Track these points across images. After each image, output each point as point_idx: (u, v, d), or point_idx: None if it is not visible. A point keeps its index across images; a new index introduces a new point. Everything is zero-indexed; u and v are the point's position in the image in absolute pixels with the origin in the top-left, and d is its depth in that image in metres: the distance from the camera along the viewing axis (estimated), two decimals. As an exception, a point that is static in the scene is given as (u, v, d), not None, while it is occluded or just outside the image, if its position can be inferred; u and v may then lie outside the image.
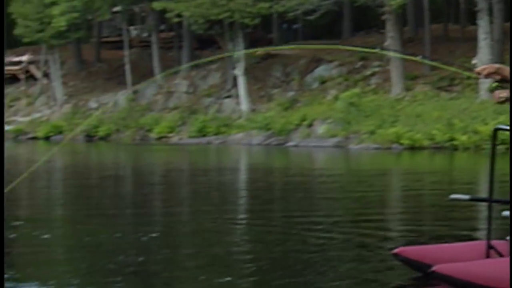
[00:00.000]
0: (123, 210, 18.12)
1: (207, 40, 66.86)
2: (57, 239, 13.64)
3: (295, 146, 50.00)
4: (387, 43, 51.05)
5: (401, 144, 44.63)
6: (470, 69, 8.81)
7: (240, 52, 54.39)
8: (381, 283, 9.39)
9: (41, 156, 48.45)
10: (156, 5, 58.82)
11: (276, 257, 11.12)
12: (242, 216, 16.87)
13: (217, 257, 11.23)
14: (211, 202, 19.29)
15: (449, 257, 9.14)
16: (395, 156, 40.45)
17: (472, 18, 54.02)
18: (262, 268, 10.29)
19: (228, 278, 9.69)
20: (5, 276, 9.62)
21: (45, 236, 13.42)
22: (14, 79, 73.07)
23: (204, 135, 56.92)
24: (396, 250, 9.60)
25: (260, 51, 56.78)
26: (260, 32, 71.22)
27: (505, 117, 8.90)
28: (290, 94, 58.77)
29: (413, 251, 9.51)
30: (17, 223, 15.06)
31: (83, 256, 11.72)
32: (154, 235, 13.32)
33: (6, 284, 9.22)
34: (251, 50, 49.55)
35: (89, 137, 61.39)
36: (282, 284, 9.32)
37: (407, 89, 52.50)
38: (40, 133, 63.42)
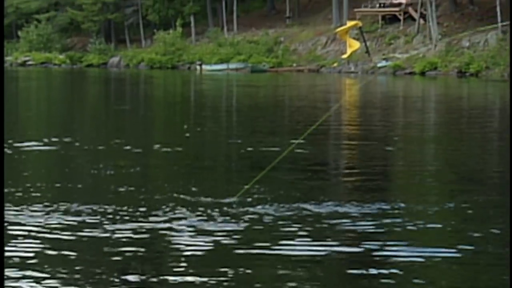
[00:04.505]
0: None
1: None
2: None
3: None
4: None
5: None
6: None
7: None
8: None
9: (417, 90, 49.41)
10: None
11: None
12: None
13: None
14: None
15: None
16: None
17: None
18: None
19: None
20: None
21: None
22: (394, 19, 74.28)
23: None
24: None
25: None
26: None
27: None
28: None
29: None
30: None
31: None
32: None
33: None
34: None
35: (461, 73, 61.41)
36: None
37: None
38: (416, 69, 64.34)
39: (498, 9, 63.89)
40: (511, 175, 12.34)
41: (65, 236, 9.44)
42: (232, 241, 9.26)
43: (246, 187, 11.63)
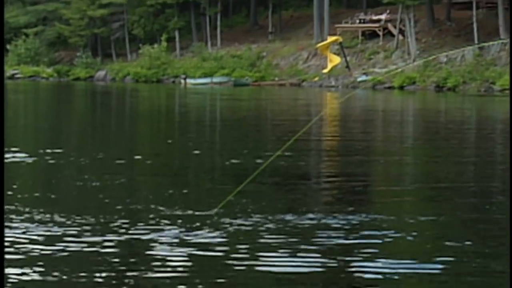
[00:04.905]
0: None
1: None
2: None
3: None
4: None
5: None
6: None
7: None
8: None
9: (396, 104, 49.48)
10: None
11: None
12: None
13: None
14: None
15: None
16: None
17: None
18: None
19: None
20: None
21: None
22: (373, 35, 74.46)
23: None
24: None
25: None
26: None
27: None
28: None
29: None
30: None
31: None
32: None
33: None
34: None
35: (439, 88, 61.66)
36: None
37: None
38: (395, 83, 64.53)
39: (474, 25, 64.19)
40: (511, 186, 12.27)
41: (48, 247, 9.25)
42: (212, 253, 9.10)
43: (227, 199, 11.47)
